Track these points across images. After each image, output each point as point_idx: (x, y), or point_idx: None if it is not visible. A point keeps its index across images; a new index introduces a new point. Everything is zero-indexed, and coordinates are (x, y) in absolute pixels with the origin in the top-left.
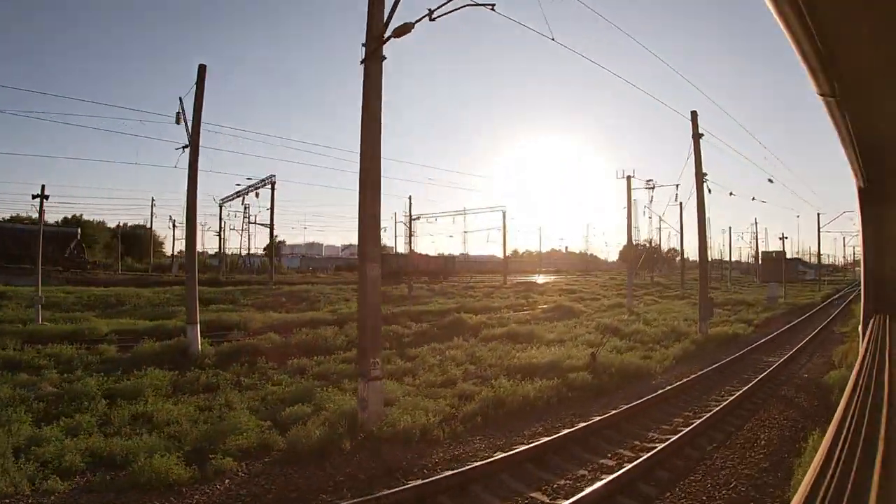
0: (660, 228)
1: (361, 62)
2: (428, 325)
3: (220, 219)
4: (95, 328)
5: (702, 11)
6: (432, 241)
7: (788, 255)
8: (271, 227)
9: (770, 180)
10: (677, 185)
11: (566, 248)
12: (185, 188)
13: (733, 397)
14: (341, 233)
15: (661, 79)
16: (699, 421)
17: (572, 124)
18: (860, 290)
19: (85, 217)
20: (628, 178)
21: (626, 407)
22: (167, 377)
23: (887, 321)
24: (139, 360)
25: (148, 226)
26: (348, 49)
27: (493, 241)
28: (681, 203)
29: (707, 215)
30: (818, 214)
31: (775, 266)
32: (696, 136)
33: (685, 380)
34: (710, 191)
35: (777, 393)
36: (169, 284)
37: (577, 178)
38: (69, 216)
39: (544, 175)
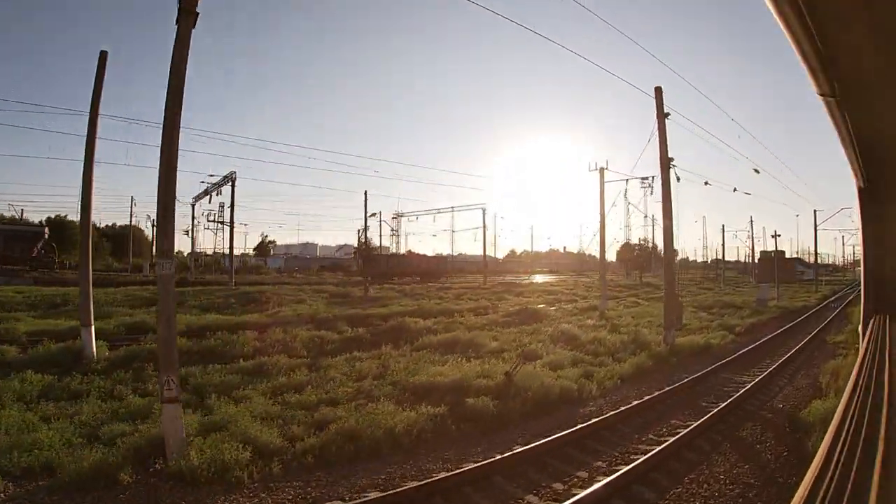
0: (653, 227)
1: (176, 21)
2: (364, 330)
3: (193, 217)
4: (13, 329)
5: (702, 11)
6: (419, 241)
7: (788, 255)
8: (231, 225)
9: (756, 170)
10: (652, 177)
11: (564, 247)
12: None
13: (673, 440)
14: (341, 232)
15: (660, 78)
16: (606, 480)
17: (572, 124)
18: (860, 290)
19: (70, 217)
20: (601, 169)
21: (517, 451)
22: (42, 381)
23: (887, 321)
24: (31, 362)
25: (141, 226)
26: (348, 49)
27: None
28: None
29: (675, 206)
30: (815, 211)
31: (771, 265)
32: (661, 115)
33: (622, 409)
34: (678, 178)
35: (736, 433)
36: (132, 284)
37: (576, 178)
38: (52, 216)
39: (543, 175)
